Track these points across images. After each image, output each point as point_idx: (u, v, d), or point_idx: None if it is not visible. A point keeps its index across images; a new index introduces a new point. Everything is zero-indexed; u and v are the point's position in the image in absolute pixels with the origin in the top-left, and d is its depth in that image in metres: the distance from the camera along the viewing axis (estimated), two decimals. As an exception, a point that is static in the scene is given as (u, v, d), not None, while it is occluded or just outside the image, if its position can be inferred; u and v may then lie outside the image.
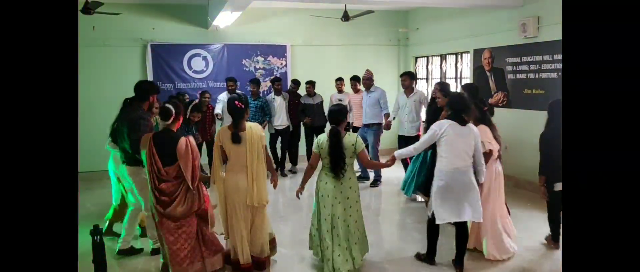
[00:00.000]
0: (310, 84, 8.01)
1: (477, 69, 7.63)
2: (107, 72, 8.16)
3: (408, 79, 6.72)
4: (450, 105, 3.97)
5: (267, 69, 9.02)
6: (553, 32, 6.08)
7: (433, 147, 4.32)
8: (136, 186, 4.28)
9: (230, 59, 8.78)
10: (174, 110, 3.75)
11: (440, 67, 8.93)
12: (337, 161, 3.79)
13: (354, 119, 7.64)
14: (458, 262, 3.99)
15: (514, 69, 6.87)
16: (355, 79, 7.66)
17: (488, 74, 7.39)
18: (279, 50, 9.05)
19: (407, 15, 9.69)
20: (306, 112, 7.92)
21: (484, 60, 7.42)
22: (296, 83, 8.16)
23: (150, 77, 8.32)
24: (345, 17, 7.54)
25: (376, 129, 7.13)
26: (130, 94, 8.78)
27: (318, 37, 9.18)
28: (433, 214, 3.90)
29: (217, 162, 3.88)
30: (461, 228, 3.96)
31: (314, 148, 3.98)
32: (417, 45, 9.50)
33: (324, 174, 3.92)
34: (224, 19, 7.52)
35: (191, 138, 3.73)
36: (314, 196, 4.03)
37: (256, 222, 3.92)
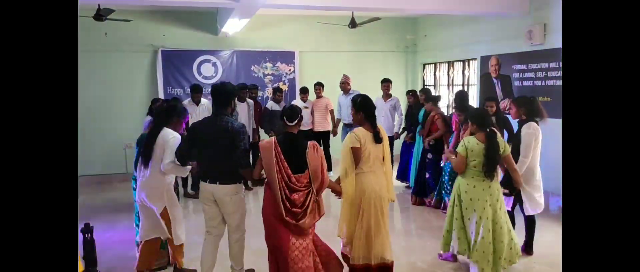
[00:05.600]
0: (279, 91, 7.91)
1: (484, 76, 7.63)
2: (119, 77, 8.31)
3: (388, 86, 7.49)
4: (527, 109, 4.36)
5: (275, 75, 9.12)
6: (559, 39, 6.07)
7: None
8: (238, 209, 3.64)
9: (240, 65, 8.89)
10: (300, 112, 3.51)
11: (448, 74, 8.95)
12: (493, 163, 3.85)
13: (314, 123, 8.03)
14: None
15: (521, 76, 6.86)
16: (319, 85, 8.07)
17: (495, 81, 7.39)
18: (288, 57, 9.14)
19: (415, 22, 9.73)
20: (273, 120, 7.62)
21: (491, 67, 7.43)
22: (256, 87, 7.88)
23: (160, 83, 8.47)
24: (353, 24, 7.61)
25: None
26: (141, 98, 8.87)
27: (326, 43, 9.26)
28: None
29: (352, 164, 3.62)
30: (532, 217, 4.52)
31: (460, 150, 3.92)
32: (425, 52, 9.53)
33: (470, 177, 3.90)
34: (232, 26, 7.63)
35: (316, 143, 3.42)
36: (455, 199, 4.01)
37: (385, 222, 3.74)
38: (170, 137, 3.70)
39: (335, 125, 8.13)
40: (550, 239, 4.95)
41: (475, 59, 7.95)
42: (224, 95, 3.60)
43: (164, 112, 3.90)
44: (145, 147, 3.76)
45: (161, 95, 8.38)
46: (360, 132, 3.64)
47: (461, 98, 5.68)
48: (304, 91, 8.06)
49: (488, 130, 3.90)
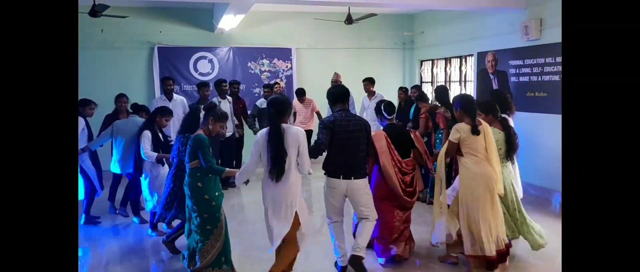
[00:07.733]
0: (269, 88, 7.69)
1: (481, 72, 7.62)
2: (115, 74, 8.28)
3: (369, 84, 7.54)
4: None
5: (272, 71, 9.11)
6: (555, 34, 6.06)
7: None
8: (370, 198, 3.89)
9: (236, 62, 8.88)
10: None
11: (445, 70, 8.94)
12: (514, 147, 4.30)
13: (298, 123, 7.73)
14: None
15: (517, 71, 6.85)
16: (299, 93, 7.79)
17: (491, 76, 7.38)
18: (284, 53, 9.13)
19: (412, 18, 9.71)
20: (262, 117, 7.33)
21: (488, 63, 7.42)
22: (238, 83, 7.59)
23: (156, 79, 8.45)
24: (349, 20, 7.60)
25: None
26: (138, 95, 8.88)
27: (323, 40, 9.24)
28: None
29: (446, 157, 3.95)
30: None
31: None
32: (422, 49, 9.51)
33: (502, 164, 4.18)
34: (228, 22, 7.61)
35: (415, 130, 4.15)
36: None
37: (499, 211, 3.91)
38: (300, 133, 3.41)
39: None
40: (547, 234, 4.94)
41: (472, 55, 7.94)
42: (339, 92, 3.93)
43: (276, 110, 3.43)
44: (278, 157, 3.32)
45: (157, 93, 8.37)
46: (459, 126, 3.89)
47: (442, 93, 5.79)
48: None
49: (505, 120, 4.26)
